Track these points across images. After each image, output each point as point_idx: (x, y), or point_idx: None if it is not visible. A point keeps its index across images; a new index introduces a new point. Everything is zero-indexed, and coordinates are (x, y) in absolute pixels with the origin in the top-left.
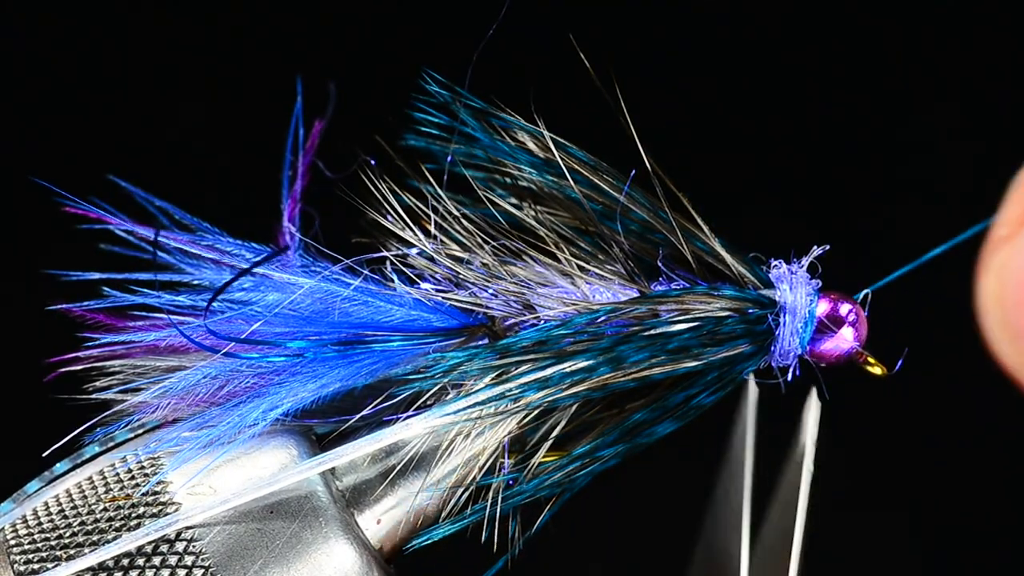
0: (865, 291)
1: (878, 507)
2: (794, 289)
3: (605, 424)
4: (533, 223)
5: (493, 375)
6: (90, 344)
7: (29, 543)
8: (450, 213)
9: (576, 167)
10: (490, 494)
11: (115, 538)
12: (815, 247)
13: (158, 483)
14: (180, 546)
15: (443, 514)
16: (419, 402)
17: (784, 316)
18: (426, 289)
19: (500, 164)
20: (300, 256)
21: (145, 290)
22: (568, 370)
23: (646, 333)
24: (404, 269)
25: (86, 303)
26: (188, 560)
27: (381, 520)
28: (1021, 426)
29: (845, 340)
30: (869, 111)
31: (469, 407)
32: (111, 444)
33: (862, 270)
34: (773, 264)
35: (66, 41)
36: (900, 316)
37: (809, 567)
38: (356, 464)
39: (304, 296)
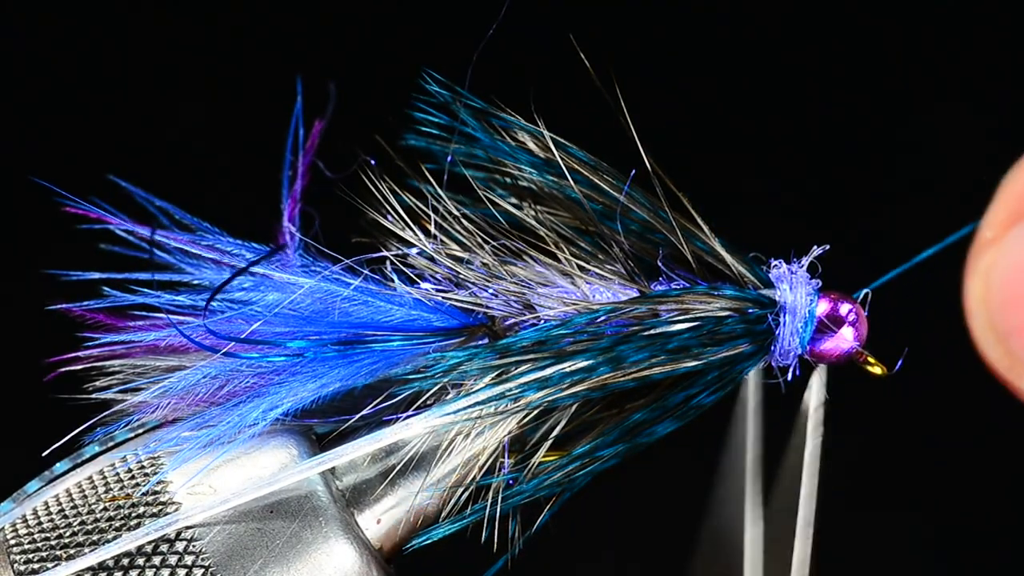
0: (864, 290)
1: (878, 507)
2: (794, 289)
3: (605, 424)
4: (533, 223)
5: (493, 375)
6: (90, 344)
7: (29, 543)
8: (450, 213)
9: (576, 167)
10: (490, 494)
11: (115, 538)
12: (815, 247)
13: (158, 483)
14: (180, 546)
15: (443, 514)
16: (419, 402)
17: (784, 316)
18: (426, 289)
19: (500, 164)
20: (300, 256)
21: (145, 290)
22: (568, 370)
23: (646, 333)
24: (404, 269)
25: (86, 303)
26: (188, 560)
27: (381, 520)
28: (1021, 426)
29: (845, 340)
30: (869, 111)
31: (469, 407)
32: (111, 444)
33: (862, 270)
34: (773, 264)
35: (66, 41)
36: (900, 316)
37: (819, 541)
38: (356, 464)
39: (304, 296)
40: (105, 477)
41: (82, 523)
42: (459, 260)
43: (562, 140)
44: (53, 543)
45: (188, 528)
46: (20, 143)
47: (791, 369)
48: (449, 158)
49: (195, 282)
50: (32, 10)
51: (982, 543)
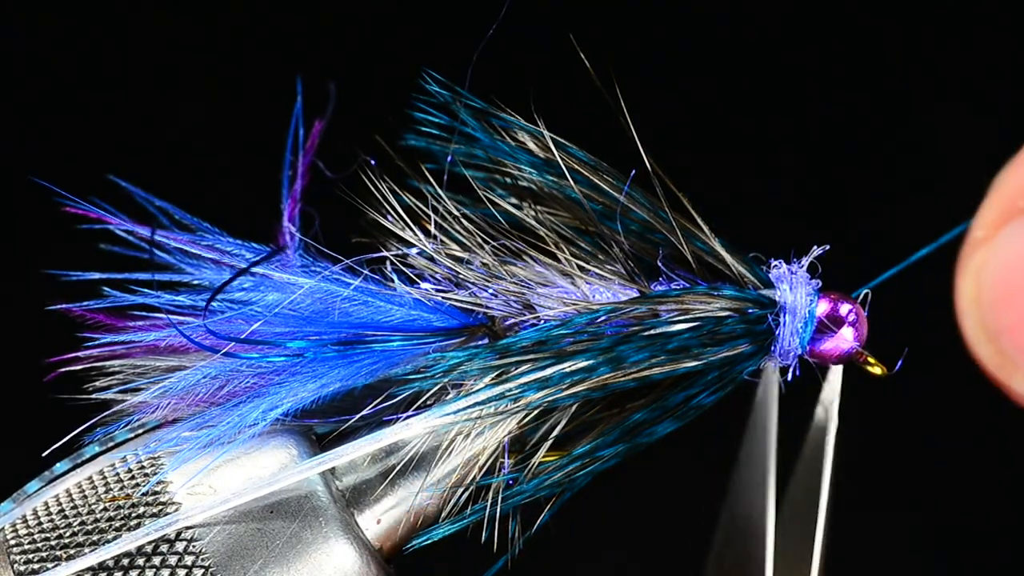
0: (863, 289)
1: (878, 507)
2: (794, 289)
3: (605, 424)
4: (533, 223)
5: (493, 375)
6: (90, 344)
7: (29, 543)
8: (450, 213)
9: (576, 167)
10: (490, 494)
11: (115, 538)
12: (815, 247)
13: (158, 483)
14: (180, 546)
15: (443, 514)
16: (419, 402)
17: (784, 316)
18: (426, 289)
19: (500, 164)
20: (300, 256)
21: (145, 290)
22: (568, 370)
23: (646, 333)
24: (404, 269)
25: (86, 303)
26: (188, 560)
27: (381, 520)
28: (1020, 426)
29: (845, 340)
30: (869, 111)
31: (469, 407)
32: (111, 444)
33: (862, 270)
34: (773, 264)
35: (66, 41)
36: (900, 316)
37: (834, 529)
38: (356, 464)
39: (304, 296)
40: (105, 477)
41: (82, 523)
42: (459, 260)
43: (562, 140)
44: (53, 543)
45: (188, 528)
46: (20, 143)
47: (791, 369)
48: (449, 158)
49: (195, 282)
50: (32, 10)
51: (982, 543)
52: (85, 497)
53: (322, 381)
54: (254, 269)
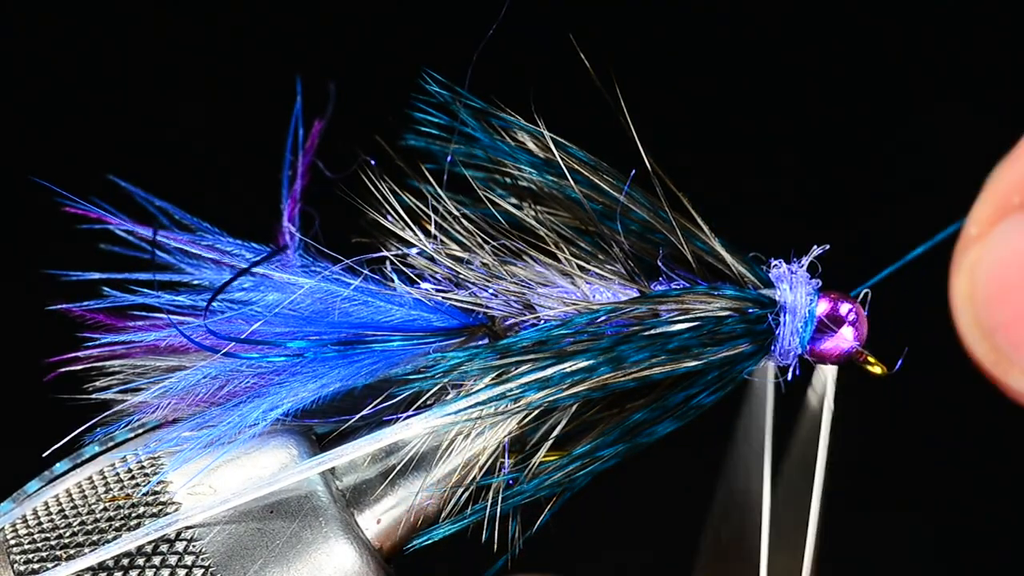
0: (862, 288)
1: (878, 507)
2: (794, 289)
3: (605, 424)
4: (533, 223)
5: (493, 375)
6: (90, 344)
7: (29, 543)
8: (450, 213)
9: (576, 167)
10: (490, 494)
11: (115, 538)
12: (815, 247)
13: (158, 483)
14: (180, 546)
15: (443, 514)
16: (419, 402)
17: (784, 316)
18: (426, 289)
19: (500, 164)
20: (300, 256)
21: (145, 290)
22: (568, 370)
23: (646, 333)
24: (404, 269)
25: (86, 303)
26: (188, 560)
27: (381, 520)
28: (1020, 425)
29: (845, 339)
30: (869, 111)
31: (469, 407)
32: (111, 444)
33: (862, 270)
34: (773, 264)
35: (66, 41)
36: (900, 316)
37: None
38: (356, 464)
39: (304, 296)
40: (105, 477)
41: (82, 523)
42: (459, 260)
43: (562, 140)
44: (53, 543)
45: (188, 528)
46: (20, 143)
47: (791, 369)
48: (449, 158)
49: (195, 282)
50: (32, 10)
51: (982, 543)
52: (85, 497)
53: (322, 381)
54: (254, 269)
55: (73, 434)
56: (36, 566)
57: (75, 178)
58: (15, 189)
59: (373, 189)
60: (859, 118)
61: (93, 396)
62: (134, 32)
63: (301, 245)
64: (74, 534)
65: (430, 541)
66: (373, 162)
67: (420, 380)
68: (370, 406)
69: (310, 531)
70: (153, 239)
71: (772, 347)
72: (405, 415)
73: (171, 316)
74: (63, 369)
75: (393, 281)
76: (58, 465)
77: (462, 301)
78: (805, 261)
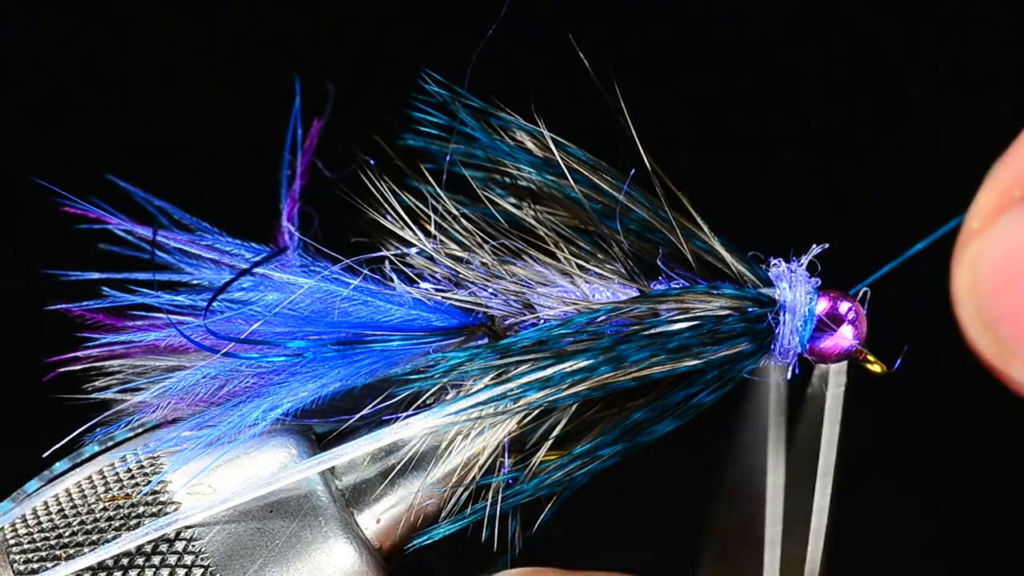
0: (862, 285)
1: (878, 507)
2: (794, 287)
3: (605, 423)
4: (532, 222)
5: (493, 375)
6: (90, 344)
7: (29, 542)
8: (449, 213)
9: (576, 166)
10: (490, 493)
11: (115, 537)
12: (814, 246)
13: (158, 483)
14: (180, 545)
15: (443, 513)
16: (419, 402)
17: (784, 314)
18: (426, 289)
19: (499, 164)
20: (299, 256)
21: (144, 290)
22: (568, 370)
23: (646, 332)
24: (404, 269)
25: (86, 303)
26: (188, 559)
27: (381, 519)
28: (1021, 425)
29: (845, 338)
30: (869, 111)
31: (469, 407)
32: (111, 444)
33: (862, 269)
34: (772, 263)
35: (66, 41)
36: (900, 315)
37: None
38: (356, 463)
39: (304, 296)
40: (105, 477)
41: (82, 523)
42: (458, 260)
43: (561, 140)
44: (53, 543)
45: (188, 528)
46: (20, 143)
47: (791, 367)
48: (448, 158)
49: (194, 282)
50: (32, 10)
51: (982, 543)
52: (85, 497)
53: (322, 381)
54: (255, 270)
55: (73, 434)
56: (36, 566)
57: (75, 178)
58: (15, 189)
59: (372, 189)
60: (859, 118)
61: (93, 396)
62: (134, 32)
63: (300, 245)
64: (74, 534)
65: (430, 541)
66: (372, 162)
67: (420, 380)
68: (370, 406)
69: (310, 530)
70: (153, 239)
71: (772, 346)
72: (405, 415)
73: (171, 316)
74: (63, 369)
75: (392, 281)
76: (58, 465)
77: (462, 301)
78: (804, 260)
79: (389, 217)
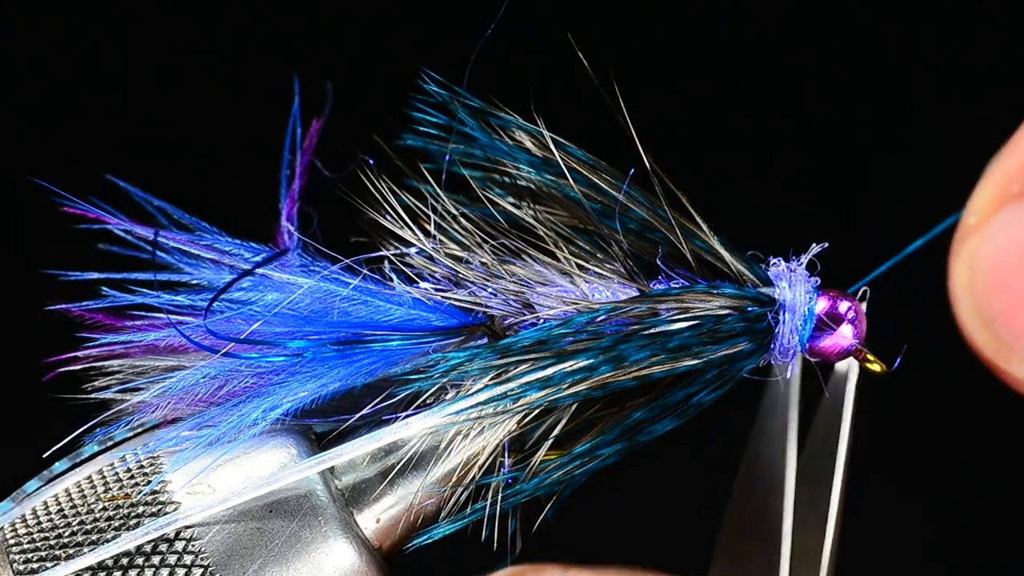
0: (860, 283)
1: (879, 507)
2: (793, 287)
3: (605, 423)
4: (532, 222)
5: (493, 375)
6: (89, 344)
7: (28, 542)
8: (449, 212)
9: (575, 166)
10: (490, 493)
11: (114, 537)
12: (814, 245)
13: (158, 483)
14: (179, 545)
15: (443, 513)
16: (418, 402)
17: (783, 314)
18: (425, 288)
19: (499, 163)
20: (299, 256)
21: (144, 290)
22: (568, 369)
23: (646, 332)
24: (403, 268)
25: (85, 303)
26: (187, 559)
27: (380, 519)
28: (1021, 425)
29: (844, 337)
30: (869, 111)
31: (469, 407)
32: (110, 443)
33: (861, 269)
34: (772, 262)
35: (66, 41)
36: (900, 314)
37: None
38: (355, 463)
39: (303, 296)
40: (104, 477)
41: (81, 523)
42: (458, 259)
43: (561, 139)
44: (52, 543)
45: (187, 527)
46: (20, 143)
47: (790, 367)
48: (447, 157)
49: (194, 282)
50: (32, 10)
51: (982, 543)
52: (84, 497)
53: (322, 381)
54: (256, 270)
55: (73, 434)
56: (35, 565)
57: (75, 178)
58: (15, 189)
59: (372, 188)
60: (859, 118)
61: (92, 396)
62: (134, 32)
63: (300, 244)
64: (73, 534)
65: (430, 540)
66: (372, 162)
67: (419, 380)
68: (369, 406)
69: (309, 530)
70: (154, 239)
71: (771, 345)
72: (404, 415)
73: (170, 316)
74: (62, 369)
75: (392, 280)
76: (57, 465)
77: (461, 300)
78: (804, 259)
79: (388, 217)
